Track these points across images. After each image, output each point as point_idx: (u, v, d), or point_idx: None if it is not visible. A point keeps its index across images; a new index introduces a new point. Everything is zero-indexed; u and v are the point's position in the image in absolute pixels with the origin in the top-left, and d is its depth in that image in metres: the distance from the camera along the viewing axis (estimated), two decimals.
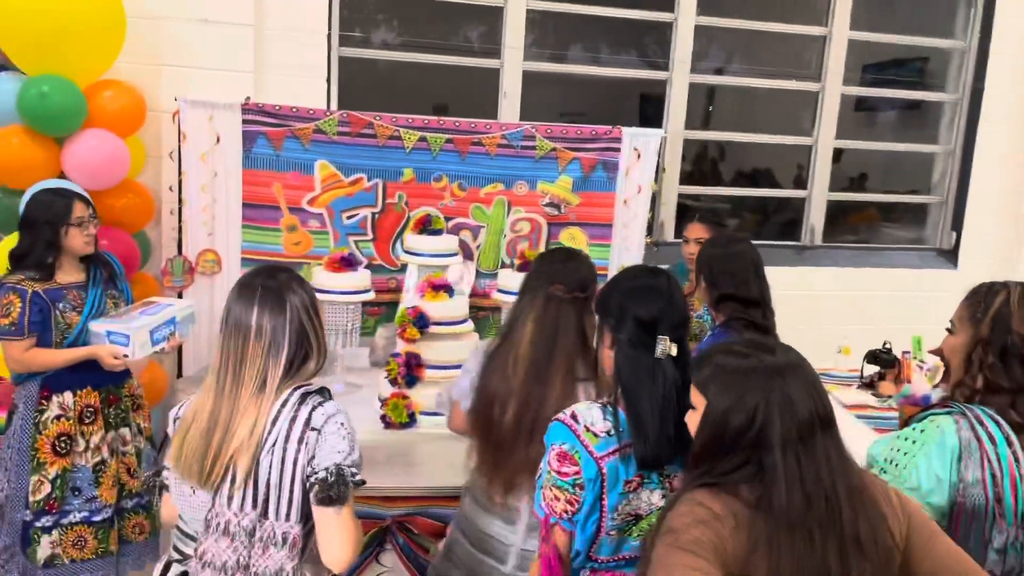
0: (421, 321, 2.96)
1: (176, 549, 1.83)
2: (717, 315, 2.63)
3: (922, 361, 3.46)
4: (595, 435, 1.64)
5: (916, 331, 4.24)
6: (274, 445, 1.67)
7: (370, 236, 3.84)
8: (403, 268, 3.67)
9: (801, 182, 4.95)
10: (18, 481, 2.75)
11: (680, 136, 4.48)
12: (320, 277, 3.29)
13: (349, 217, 3.80)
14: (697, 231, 3.45)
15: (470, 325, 3.15)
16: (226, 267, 3.69)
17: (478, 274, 3.94)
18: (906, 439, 1.71)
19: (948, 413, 1.69)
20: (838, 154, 8.00)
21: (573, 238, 4.03)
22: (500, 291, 3.49)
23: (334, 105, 4.05)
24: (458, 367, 3.02)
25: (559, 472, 1.63)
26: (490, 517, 2.13)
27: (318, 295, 3.14)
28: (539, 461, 1.71)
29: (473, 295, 3.85)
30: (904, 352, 3.77)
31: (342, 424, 1.72)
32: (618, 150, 3.96)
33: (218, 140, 3.57)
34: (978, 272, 4.81)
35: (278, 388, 1.71)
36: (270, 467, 1.67)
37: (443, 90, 5.09)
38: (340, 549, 1.68)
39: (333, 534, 1.68)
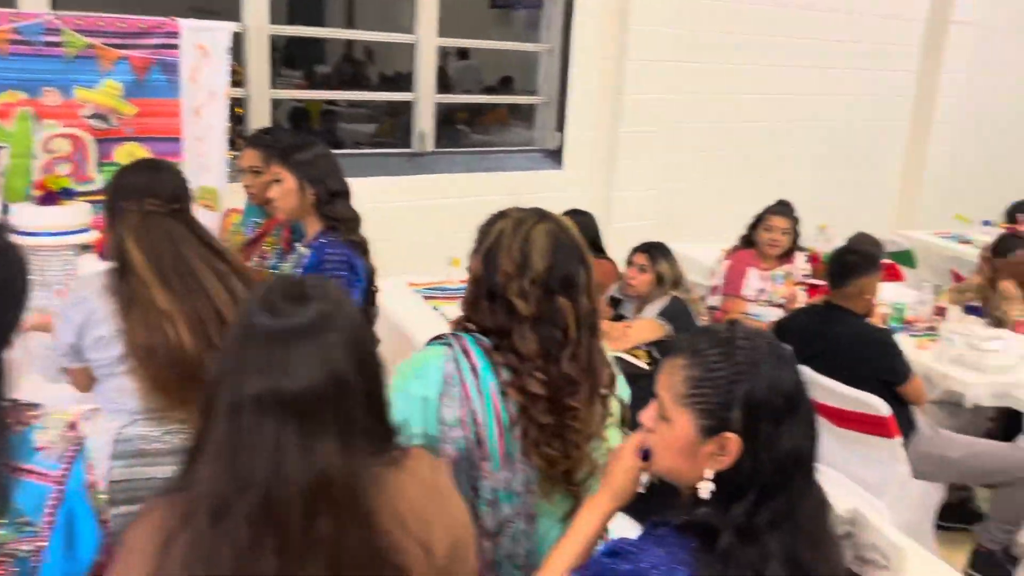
0: None
1: None
2: (318, 223, 2.41)
3: None
4: None
5: None
6: None
7: None
8: None
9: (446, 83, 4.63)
10: None
11: (265, 30, 3.90)
12: None
13: None
14: (251, 158, 2.82)
15: None
16: None
17: (5, 208, 3.11)
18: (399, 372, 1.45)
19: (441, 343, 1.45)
20: (464, 53, 7.93)
21: (133, 156, 3.33)
22: (20, 232, 2.74)
23: None
24: None
25: None
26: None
27: None
28: None
29: None
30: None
31: None
32: (177, 47, 3.30)
33: None
34: (581, 172, 5.02)
35: None
36: None
37: None
38: None
39: None
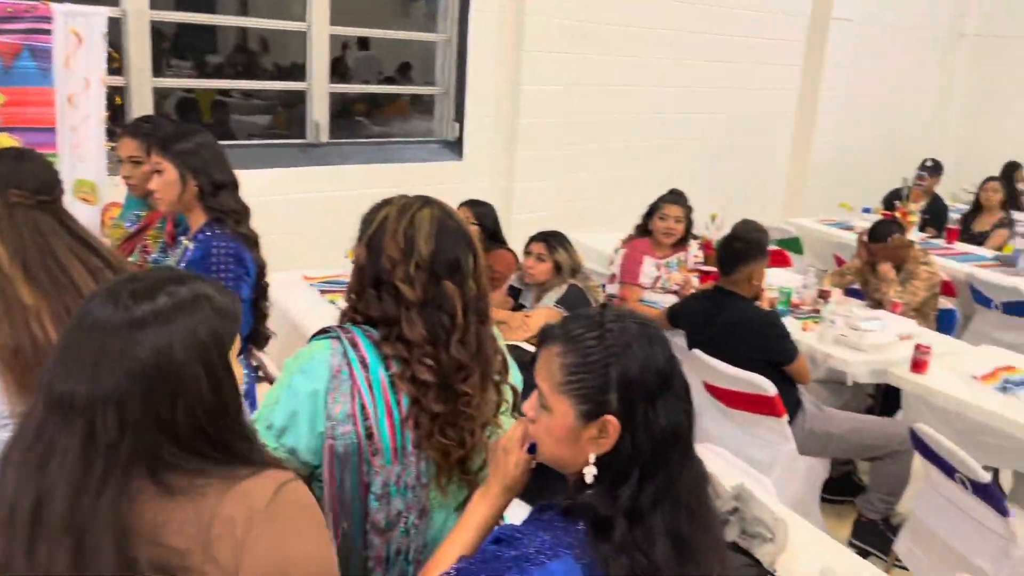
0: None
1: None
2: (203, 215, 2.31)
3: None
4: None
5: None
6: None
7: None
8: None
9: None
10: None
11: (146, 16, 3.74)
12: None
13: None
14: (130, 148, 2.67)
15: None
16: None
17: None
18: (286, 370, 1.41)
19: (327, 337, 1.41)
20: (365, 44, 7.80)
21: (2, 147, 3.14)
22: None
23: None
24: None
25: None
26: None
27: None
28: None
29: None
30: None
31: None
32: (49, 32, 3.12)
33: None
34: (481, 163, 5.02)
35: None
36: None
37: None
38: None
39: None
